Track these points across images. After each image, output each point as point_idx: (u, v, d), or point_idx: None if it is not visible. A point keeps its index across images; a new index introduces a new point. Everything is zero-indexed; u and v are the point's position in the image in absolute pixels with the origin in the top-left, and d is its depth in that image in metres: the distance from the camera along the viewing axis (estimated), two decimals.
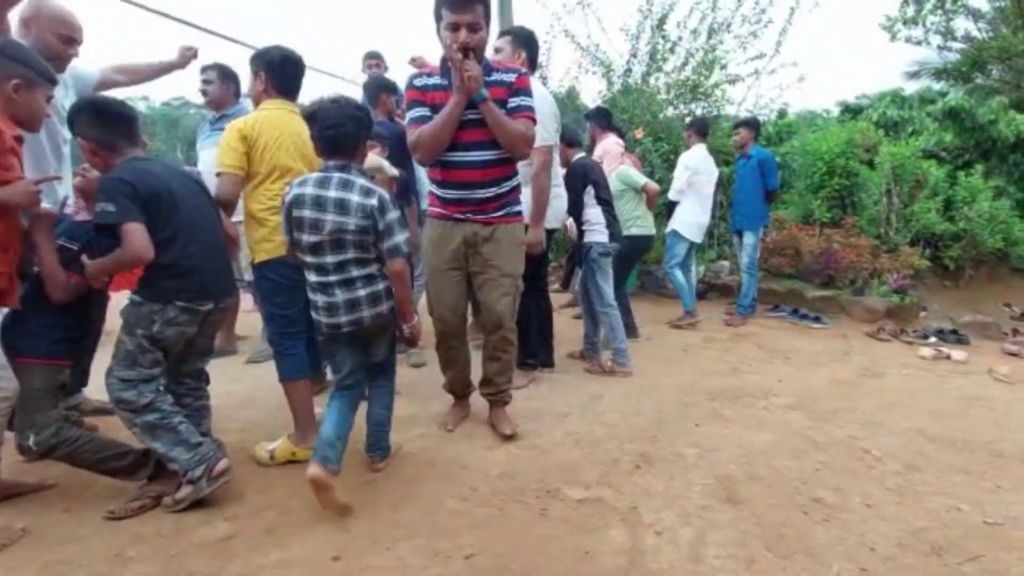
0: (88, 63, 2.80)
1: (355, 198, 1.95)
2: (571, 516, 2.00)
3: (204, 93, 3.72)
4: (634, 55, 6.94)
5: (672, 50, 6.83)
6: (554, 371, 3.60)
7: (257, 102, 2.52)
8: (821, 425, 2.88)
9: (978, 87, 10.78)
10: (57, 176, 2.17)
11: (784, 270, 6.31)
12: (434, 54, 4.38)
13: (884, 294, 5.60)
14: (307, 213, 1.97)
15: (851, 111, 10.25)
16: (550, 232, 3.35)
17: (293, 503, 2.05)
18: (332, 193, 1.96)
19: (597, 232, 3.61)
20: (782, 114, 9.17)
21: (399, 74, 4.36)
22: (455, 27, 2.23)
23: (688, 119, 6.19)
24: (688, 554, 1.80)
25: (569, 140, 3.76)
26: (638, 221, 4.33)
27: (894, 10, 12.08)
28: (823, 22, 9.69)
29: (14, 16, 2.38)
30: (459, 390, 2.81)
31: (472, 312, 4.03)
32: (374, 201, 1.97)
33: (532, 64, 3.14)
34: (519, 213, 2.63)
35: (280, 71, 2.43)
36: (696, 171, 4.92)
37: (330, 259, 2.00)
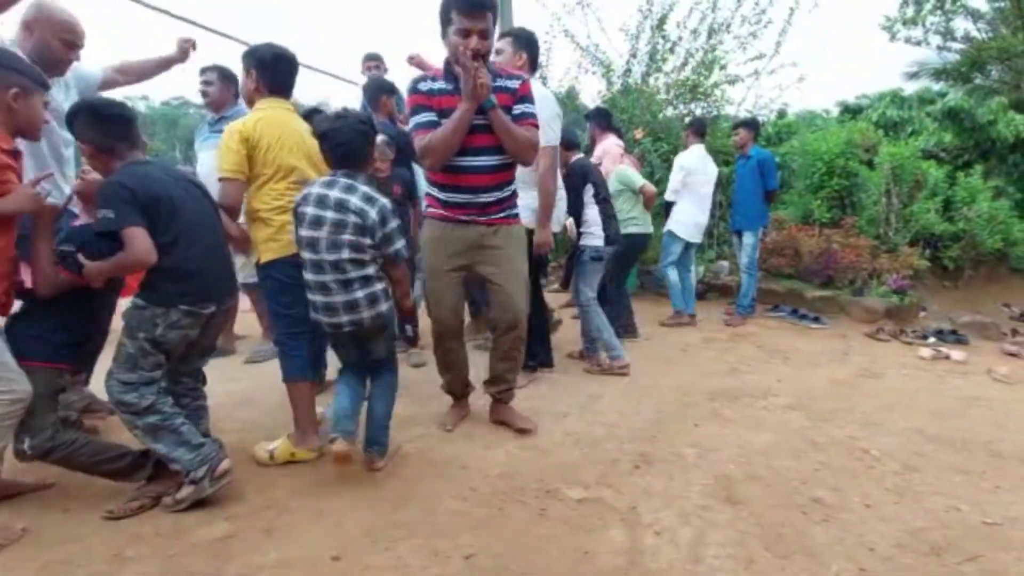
0: (88, 63, 2.79)
1: (355, 201, 2.08)
2: (570, 516, 2.00)
3: (204, 94, 3.72)
4: (634, 55, 6.93)
5: (672, 50, 6.83)
6: (553, 371, 3.60)
7: (250, 101, 2.49)
8: (820, 425, 2.88)
9: (977, 87, 10.80)
10: (49, 173, 2.17)
11: (783, 270, 6.31)
12: (432, 54, 4.42)
13: (883, 294, 5.61)
14: (310, 210, 2.09)
15: (851, 111, 10.27)
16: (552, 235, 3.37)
17: (292, 503, 2.05)
18: (335, 193, 2.09)
19: (593, 235, 3.67)
20: (782, 114, 9.17)
21: (398, 75, 4.36)
22: (467, 33, 2.24)
23: (688, 119, 6.19)
24: (687, 554, 1.80)
25: (567, 143, 3.77)
26: (634, 220, 4.35)
27: (894, 10, 12.12)
28: (823, 22, 9.71)
29: (14, 17, 2.38)
30: (458, 391, 2.81)
31: (469, 313, 4.04)
32: (374, 208, 2.10)
33: (533, 65, 3.14)
34: (517, 215, 2.65)
35: (272, 69, 2.40)
36: (691, 171, 4.94)
37: (327, 257, 2.08)
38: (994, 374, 3.94)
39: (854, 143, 7.02)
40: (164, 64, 3.13)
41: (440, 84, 2.40)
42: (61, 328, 1.97)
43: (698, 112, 6.94)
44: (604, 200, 3.72)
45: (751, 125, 5.45)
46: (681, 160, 5.04)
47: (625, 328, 4.40)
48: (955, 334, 4.96)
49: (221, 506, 2.00)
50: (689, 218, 4.99)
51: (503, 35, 3.18)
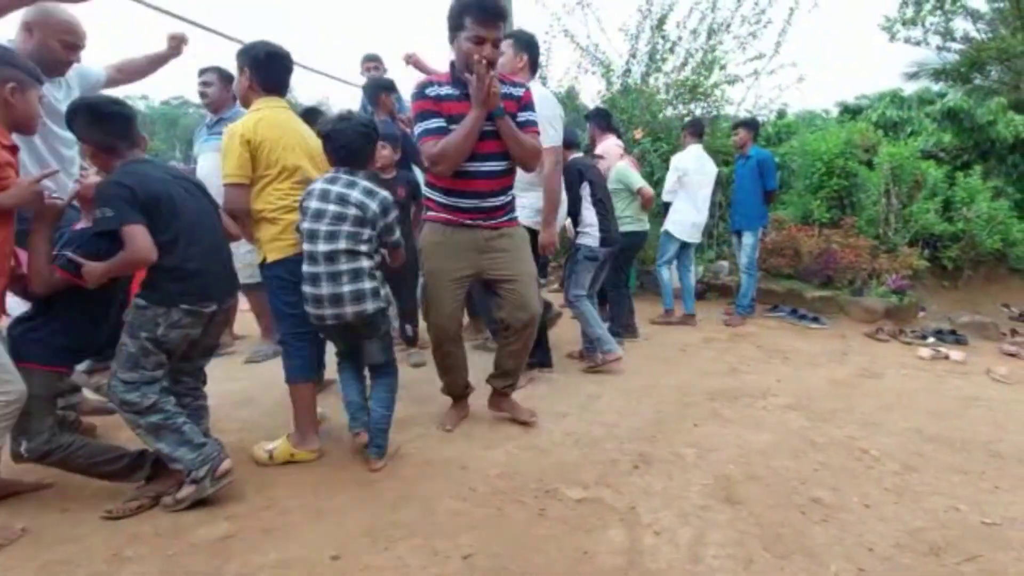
0: (91, 62, 2.79)
1: (356, 194, 2.16)
2: (570, 516, 2.00)
3: (203, 95, 3.72)
4: (633, 55, 6.93)
5: (671, 50, 6.82)
6: (552, 371, 3.60)
7: (245, 101, 2.47)
8: (820, 425, 2.88)
9: (977, 88, 10.81)
10: (56, 170, 2.17)
11: (783, 270, 6.32)
12: (430, 54, 4.42)
13: (883, 294, 5.61)
14: (313, 203, 2.17)
15: (850, 111, 10.27)
16: None
17: (292, 503, 2.05)
18: (336, 188, 2.17)
19: (589, 236, 3.69)
20: (781, 114, 9.18)
21: (397, 75, 4.36)
22: (481, 41, 2.26)
23: (687, 119, 6.20)
24: (686, 554, 1.80)
25: (567, 142, 3.77)
26: (628, 219, 4.35)
27: (893, 11, 12.12)
28: (822, 22, 9.71)
29: (14, 17, 2.37)
30: (458, 392, 2.81)
31: (468, 313, 4.03)
32: (375, 200, 2.18)
33: (533, 67, 3.16)
34: (516, 217, 2.67)
35: (265, 68, 2.37)
36: (686, 172, 4.98)
37: (322, 248, 2.14)
38: (993, 374, 3.94)
39: (854, 143, 7.02)
40: (157, 61, 3.07)
41: (447, 89, 2.39)
42: (61, 332, 1.96)
43: (698, 112, 6.94)
44: (600, 200, 3.72)
45: (750, 125, 5.46)
46: (676, 161, 5.08)
47: (625, 328, 4.40)
48: (954, 334, 4.96)
49: (220, 506, 2.00)
50: (685, 218, 5.01)
51: (504, 37, 3.19)
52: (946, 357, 4.33)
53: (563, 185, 3.33)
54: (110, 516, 1.92)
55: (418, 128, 2.40)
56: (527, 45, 3.09)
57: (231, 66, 3.66)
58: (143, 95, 32.54)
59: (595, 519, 1.99)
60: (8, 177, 1.80)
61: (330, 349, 2.62)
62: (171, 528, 1.88)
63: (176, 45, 3.06)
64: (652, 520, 1.98)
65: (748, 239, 5.27)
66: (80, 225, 2.12)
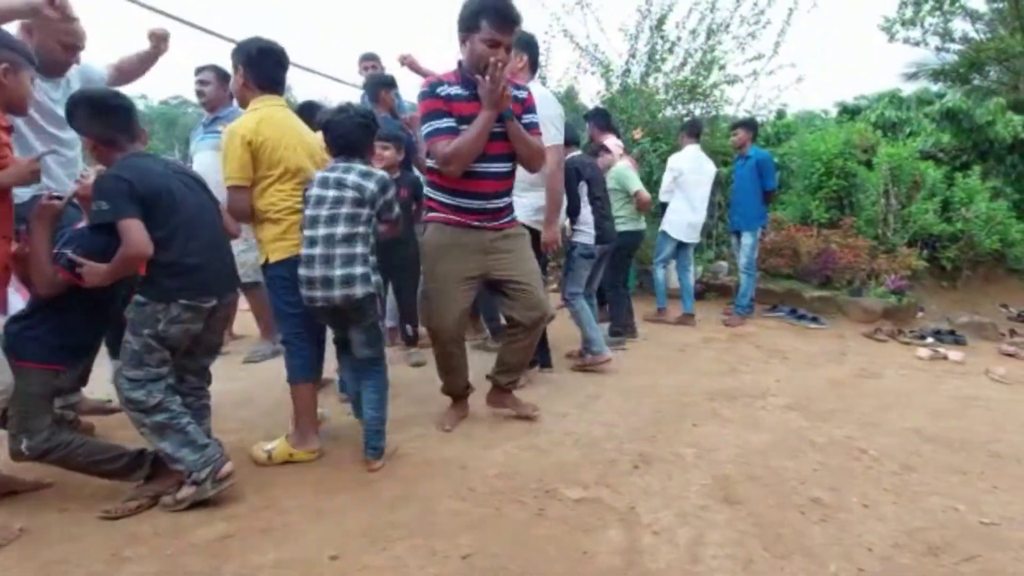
0: (93, 61, 2.78)
1: (352, 177, 2.21)
2: (569, 516, 2.00)
3: (200, 94, 3.71)
4: (633, 55, 6.93)
5: (671, 50, 6.83)
6: (552, 371, 3.60)
7: (241, 99, 2.43)
8: (819, 425, 2.88)
9: (976, 88, 10.82)
10: (52, 149, 2.18)
11: (782, 270, 6.33)
12: (429, 54, 4.42)
13: (882, 295, 5.62)
14: (314, 191, 2.23)
15: (849, 112, 10.26)
16: None
17: (291, 503, 2.05)
18: (335, 175, 2.23)
19: (585, 234, 3.70)
20: (780, 115, 9.17)
21: (396, 75, 4.35)
22: (496, 44, 2.27)
23: (686, 119, 6.20)
24: (686, 554, 1.80)
25: (567, 139, 3.77)
26: (623, 218, 4.35)
27: (892, 11, 12.10)
28: (821, 23, 9.75)
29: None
30: (458, 392, 2.80)
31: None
32: (372, 180, 2.23)
33: (533, 67, 3.17)
34: (516, 217, 2.68)
35: (258, 64, 2.33)
36: (681, 172, 5.01)
37: (322, 231, 2.17)
38: (992, 374, 3.95)
39: (852, 143, 7.03)
40: (147, 59, 3.00)
41: (457, 89, 2.40)
42: (59, 330, 1.95)
43: (697, 112, 6.95)
44: (598, 198, 3.72)
45: (750, 125, 5.47)
46: (672, 161, 5.12)
47: (625, 328, 4.40)
48: (953, 334, 4.97)
49: (219, 506, 2.00)
50: (681, 218, 5.03)
51: None
52: (945, 357, 4.34)
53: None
54: (108, 516, 1.91)
55: (427, 127, 2.39)
56: (527, 45, 3.09)
57: (229, 66, 3.68)
58: (142, 95, 32.43)
59: (594, 519, 1.99)
60: (5, 156, 1.81)
61: (330, 349, 2.62)
62: (170, 528, 1.88)
63: (157, 43, 2.98)
64: (651, 520, 1.98)
65: (747, 239, 5.28)
66: (82, 224, 2.12)
